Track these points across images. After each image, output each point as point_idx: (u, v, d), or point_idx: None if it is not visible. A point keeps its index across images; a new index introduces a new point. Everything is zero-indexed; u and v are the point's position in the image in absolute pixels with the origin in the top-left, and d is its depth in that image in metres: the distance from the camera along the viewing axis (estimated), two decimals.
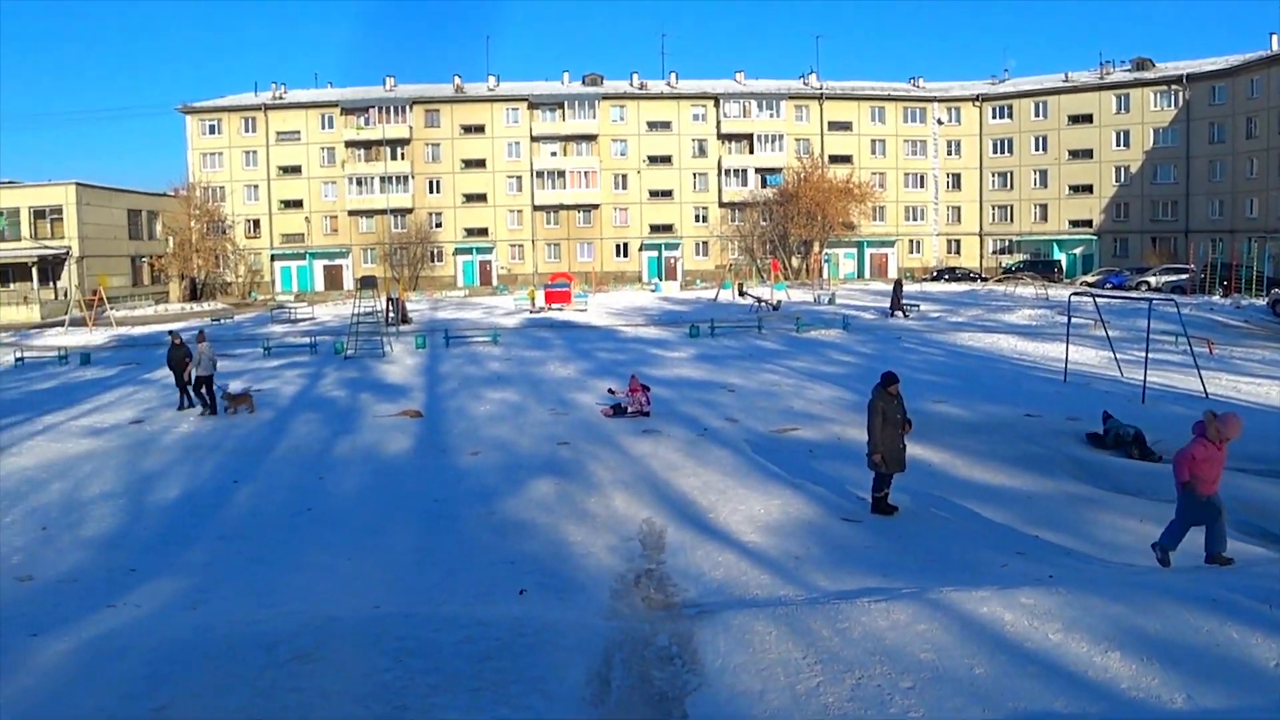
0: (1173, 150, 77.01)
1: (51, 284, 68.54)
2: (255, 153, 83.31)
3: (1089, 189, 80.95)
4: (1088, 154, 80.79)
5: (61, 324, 55.39)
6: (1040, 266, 75.48)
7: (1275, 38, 71.03)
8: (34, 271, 66.17)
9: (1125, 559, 12.21)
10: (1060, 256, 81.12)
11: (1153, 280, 63.21)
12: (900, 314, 47.15)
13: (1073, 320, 30.78)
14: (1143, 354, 25.74)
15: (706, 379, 28.48)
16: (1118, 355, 29.02)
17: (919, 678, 7.87)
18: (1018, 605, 9.04)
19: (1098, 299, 34.40)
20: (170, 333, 26.90)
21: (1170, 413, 22.01)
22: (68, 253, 68.44)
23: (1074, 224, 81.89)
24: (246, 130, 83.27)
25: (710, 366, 31.11)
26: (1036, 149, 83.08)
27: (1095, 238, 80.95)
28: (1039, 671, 7.82)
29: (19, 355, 38.40)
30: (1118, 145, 79.44)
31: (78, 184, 69.72)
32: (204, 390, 24.56)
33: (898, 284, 51.23)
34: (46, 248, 67.90)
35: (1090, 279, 70.55)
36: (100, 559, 13.05)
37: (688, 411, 23.26)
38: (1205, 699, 7.25)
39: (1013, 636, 8.48)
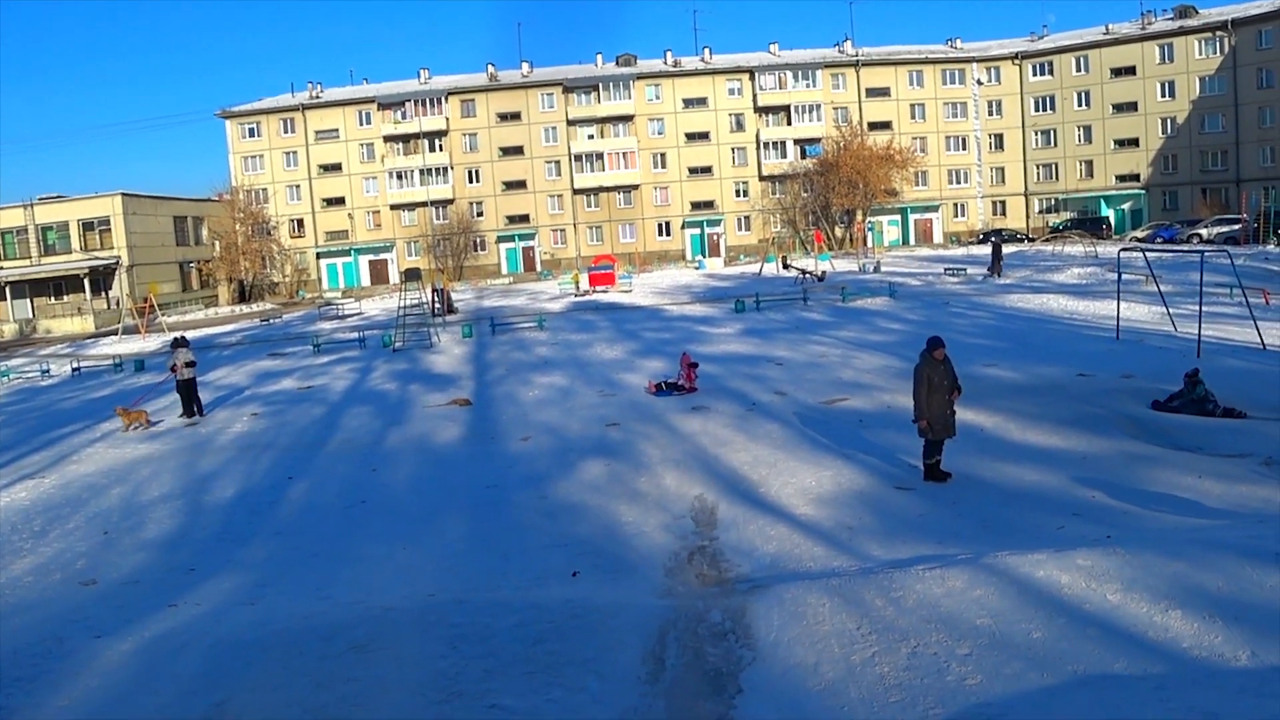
0: (1220, 99, 75.23)
1: (103, 294, 69.74)
2: (295, 153, 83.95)
3: (1135, 143, 79.37)
4: (1132, 107, 79.15)
5: (115, 333, 56.22)
6: (1088, 224, 74.16)
7: None
8: (86, 283, 67.32)
9: (1185, 516, 11.99)
10: (1108, 213, 79.64)
11: (1204, 232, 62.01)
12: (997, 274, 47.09)
13: (1123, 277, 30.35)
14: (1196, 308, 25.31)
15: (754, 353, 28.37)
16: (1170, 310, 28.55)
17: (976, 644, 7.80)
18: (1075, 567, 8.92)
19: (1148, 254, 33.89)
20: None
21: (1227, 366, 21.66)
22: (117, 262, 69.58)
23: (1121, 179, 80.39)
24: (285, 131, 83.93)
25: (757, 341, 30.98)
26: (1079, 104, 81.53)
27: (1143, 192, 79.43)
28: (1098, 633, 7.72)
29: (76, 365, 39.09)
30: (1163, 96, 77.74)
31: (123, 194, 70.90)
32: (190, 395, 24.70)
33: (997, 245, 51.09)
34: (96, 258, 69.07)
35: (1140, 234, 69.26)
36: (160, 560, 13.22)
37: (736, 387, 23.19)
38: (1270, 655, 7.11)
39: (1070, 599, 8.38)
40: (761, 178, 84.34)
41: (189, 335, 29.75)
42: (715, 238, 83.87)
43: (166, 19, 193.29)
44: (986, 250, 64.54)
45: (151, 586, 11.95)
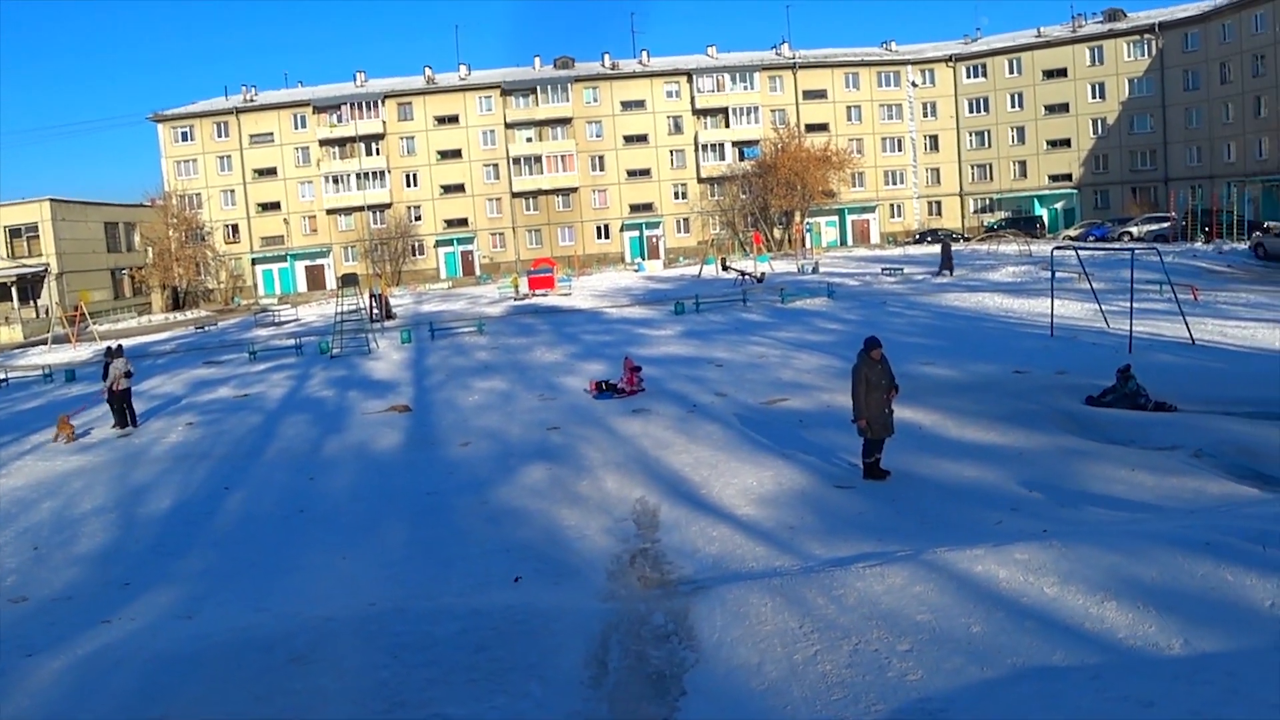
0: (1148, 100, 76.97)
1: (32, 302, 68.18)
2: (229, 157, 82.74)
3: (1067, 143, 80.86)
4: (1064, 108, 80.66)
5: (44, 342, 55.09)
6: (1022, 223, 75.45)
7: None
8: (13, 291, 65.77)
9: (1119, 509, 12.20)
10: (1041, 212, 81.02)
11: (1135, 230, 63.21)
12: (948, 273, 48.11)
13: (1056, 274, 30.81)
14: (1128, 304, 25.76)
15: (694, 355, 28.45)
16: (1103, 307, 29.05)
17: (916, 640, 7.85)
18: (1012, 561, 9.02)
19: (1080, 252, 34.50)
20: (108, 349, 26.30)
21: (1158, 361, 22.10)
22: (46, 270, 68.07)
23: (1054, 179, 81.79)
24: (219, 135, 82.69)
25: (697, 342, 31.07)
26: (1012, 106, 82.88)
27: (1075, 191, 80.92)
28: (1036, 626, 7.80)
29: (3, 376, 38.21)
30: (1093, 98, 79.34)
31: (52, 200, 69.23)
32: (124, 405, 24.26)
33: (946, 244, 52.42)
34: (24, 266, 67.51)
35: (1072, 233, 70.44)
36: (94, 575, 12.94)
37: (676, 388, 23.23)
38: (1202, 643, 7.24)
39: (1009, 593, 8.47)
40: (700, 180, 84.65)
41: (123, 344, 29.15)
42: (654, 240, 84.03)
43: (95, 19, 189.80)
44: (923, 250, 65.63)
45: (84, 602, 11.69)
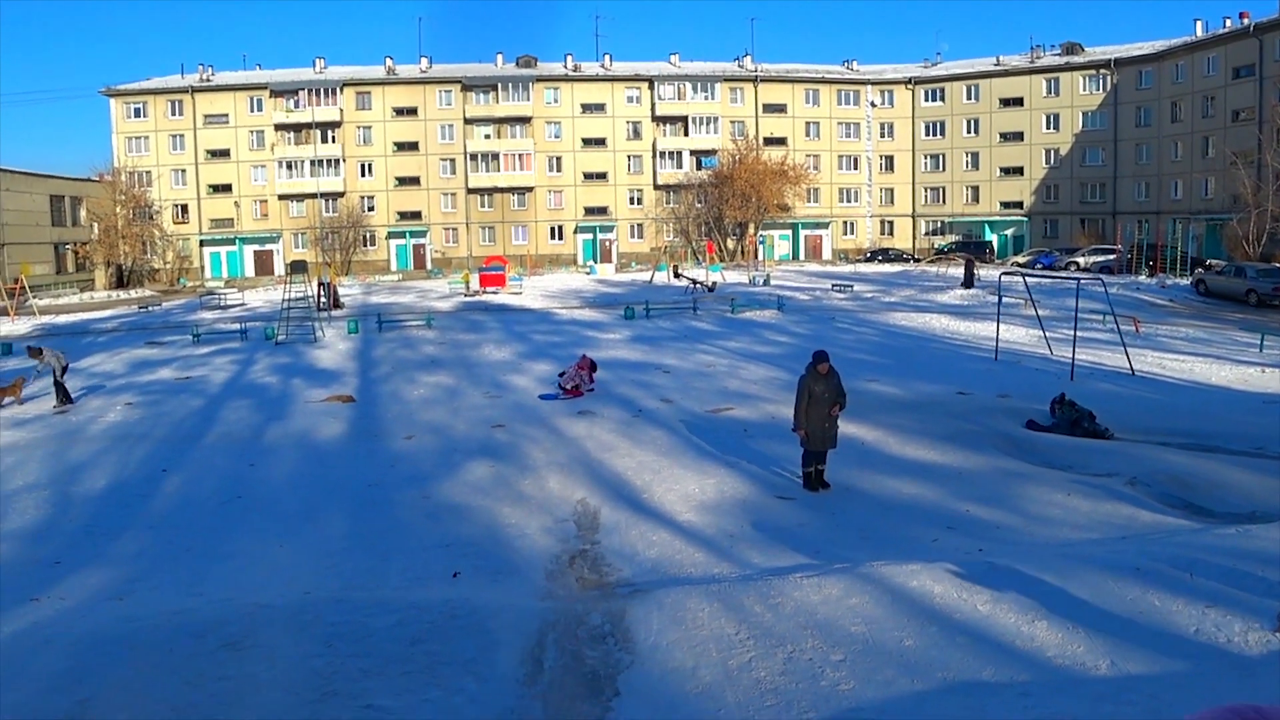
0: (1101, 133, 78.31)
1: None
2: (182, 136, 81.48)
3: (1019, 171, 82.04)
4: (1018, 136, 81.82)
5: None
6: (972, 247, 76.21)
7: (1199, 24, 72.55)
8: None
9: (1053, 531, 12.40)
10: (991, 237, 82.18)
11: (1081, 260, 64.15)
12: (968, 289, 49.72)
13: (1003, 300, 31.25)
14: (1071, 333, 26.20)
15: (642, 360, 28.49)
16: (1047, 334, 29.52)
17: (850, 650, 7.93)
18: (947, 578, 9.14)
19: (1028, 279, 35.02)
20: None
21: (1099, 390, 22.47)
22: None
23: (1005, 205, 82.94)
24: (173, 113, 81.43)
25: (646, 348, 31.11)
26: (968, 131, 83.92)
27: (1026, 219, 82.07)
28: (968, 642, 7.91)
29: None
30: (1047, 128, 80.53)
31: None
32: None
33: (970, 261, 53.71)
34: None
35: (1021, 259, 71.52)
36: (23, 552, 12.72)
37: (623, 393, 23.26)
38: (1128, 665, 7.38)
39: (942, 608, 8.57)
40: (656, 186, 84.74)
41: (63, 320, 28.66)
42: (608, 244, 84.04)
43: None
44: (874, 269, 66.51)
45: (13, 580, 11.47)
